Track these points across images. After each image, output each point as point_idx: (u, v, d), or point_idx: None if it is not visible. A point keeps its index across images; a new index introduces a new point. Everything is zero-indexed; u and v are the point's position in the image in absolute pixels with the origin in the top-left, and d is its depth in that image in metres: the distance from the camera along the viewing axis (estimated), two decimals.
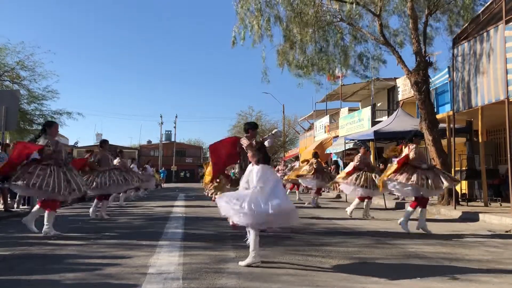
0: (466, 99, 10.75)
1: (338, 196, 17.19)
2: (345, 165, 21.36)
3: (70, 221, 8.47)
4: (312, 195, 13.17)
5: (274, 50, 12.76)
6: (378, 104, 23.99)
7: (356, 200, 9.56)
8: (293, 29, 11.82)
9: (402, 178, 7.04)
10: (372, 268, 4.40)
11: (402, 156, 7.29)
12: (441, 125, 11.82)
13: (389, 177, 7.24)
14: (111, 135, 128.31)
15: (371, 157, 14.55)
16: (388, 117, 18.89)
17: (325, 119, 27.49)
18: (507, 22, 9.20)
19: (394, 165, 7.42)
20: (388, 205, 12.33)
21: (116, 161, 12.30)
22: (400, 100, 19.23)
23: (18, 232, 6.94)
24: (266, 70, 12.54)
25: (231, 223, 5.59)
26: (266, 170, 4.55)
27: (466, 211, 9.54)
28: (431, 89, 12.82)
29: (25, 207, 10.52)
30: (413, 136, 7.49)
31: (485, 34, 10.00)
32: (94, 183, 8.59)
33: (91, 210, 9.06)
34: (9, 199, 10.04)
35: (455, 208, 10.01)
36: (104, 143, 9.52)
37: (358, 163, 9.76)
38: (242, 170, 6.17)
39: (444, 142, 11.76)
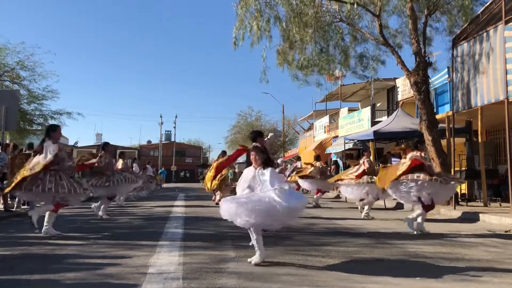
0: (465, 99, 10.76)
1: (338, 196, 17.19)
2: (345, 165, 21.41)
3: (70, 221, 8.47)
4: (316, 195, 13.31)
5: (274, 50, 12.78)
6: (378, 104, 23.99)
7: (369, 201, 9.65)
8: (292, 29, 11.82)
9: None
10: (372, 268, 4.40)
11: (408, 163, 7.21)
12: (441, 125, 11.83)
13: (399, 179, 7.19)
14: (111, 135, 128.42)
15: (371, 157, 14.56)
16: (387, 117, 18.89)
17: (325, 119, 27.49)
18: (506, 22, 9.21)
19: (400, 167, 7.32)
20: (388, 205, 12.34)
21: (119, 163, 12.32)
22: (400, 100, 19.23)
23: (18, 232, 6.95)
24: (266, 70, 12.51)
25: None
26: (277, 172, 4.71)
27: (465, 211, 9.54)
28: (430, 89, 12.82)
29: (26, 207, 10.52)
30: (418, 143, 7.48)
31: (484, 34, 10.01)
32: (106, 183, 8.76)
33: (101, 212, 9.03)
34: (9, 199, 10.04)
35: (454, 208, 10.01)
36: (107, 145, 9.51)
37: (368, 166, 9.80)
38: None
39: (443, 142, 11.77)
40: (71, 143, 43.13)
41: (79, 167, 8.72)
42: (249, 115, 51.60)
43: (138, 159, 22.38)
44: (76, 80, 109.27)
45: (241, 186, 4.74)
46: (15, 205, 10.31)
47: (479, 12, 10.45)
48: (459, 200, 11.08)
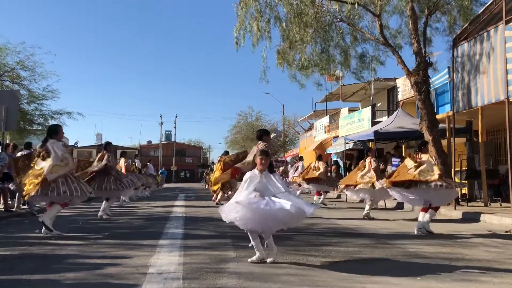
0: (466, 99, 10.75)
1: (339, 196, 17.20)
2: (345, 165, 21.42)
3: (70, 221, 8.46)
4: (322, 196, 13.38)
5: (274, 50, 12.77)
6: (378, 104, 23.99)
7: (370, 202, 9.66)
8: (293, 29, 11.81)
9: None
10: (372, 268, 4.40)
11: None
12: (441, 125, 11.82)
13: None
14: (111, 135, 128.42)
15: None
16: (388, 117, 18.89)
17: (325, 119, 27.49)
18: (507, 22, 9.21)
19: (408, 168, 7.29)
20: (388, 205, 12.34)
21: (121, 162, 12.32)
22: (400, 100, 19.22)
23: (18, 232, 6.96)
24: (266, 70, 12.50)
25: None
26: (281, 178, 4.86)
27: (466, 211, 9.54)
28: (431, 89, 12.82)
29: (26, 207, 10.52)
30: (422, 146, 7.47)
31: (485, 34, 10.00)
32: (112, 186, 8.83)
33: (102, 212, 8.99)
34: (9, 199, 10.04)
35: (455, 209, 10.01)
36: (109, 145, 9.45)
37: (376, 165, 9.81)
38: None
39: (444, 142, 11.76)
40: (71, 143, 43.19)
41: (88, 178, 8.75)
42: (249, 115, 51.66)
43: (139, 155, 22.42)
44: (76, 80, 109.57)
45: (245, 189, 4.60)
46: (15, 205, 10.31)
47: (479, 12, 10.45)
48: (460, 200, 11.07)
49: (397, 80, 20.06)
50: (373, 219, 9.11)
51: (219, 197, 11.60)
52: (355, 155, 22.16)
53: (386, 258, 4.93)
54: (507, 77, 9.06)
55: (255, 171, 4.69)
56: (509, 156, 8.92)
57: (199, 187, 34.79)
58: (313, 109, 31.88)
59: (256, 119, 51.13)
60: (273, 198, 4.43)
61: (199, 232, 7.04)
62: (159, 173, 31.81)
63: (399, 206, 11.92)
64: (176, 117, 63.60)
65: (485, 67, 9.97)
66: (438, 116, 12.07)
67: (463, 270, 4.28)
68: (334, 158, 24.46)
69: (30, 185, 6.15)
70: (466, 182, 11.94)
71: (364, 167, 10.02)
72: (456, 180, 11.19)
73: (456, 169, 11.58)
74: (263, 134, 6.74)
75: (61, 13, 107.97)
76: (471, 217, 8.99)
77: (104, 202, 9.12)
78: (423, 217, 7.01)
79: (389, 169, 11.37)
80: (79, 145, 52.37)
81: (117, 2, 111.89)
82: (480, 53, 10.16)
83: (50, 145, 6.28)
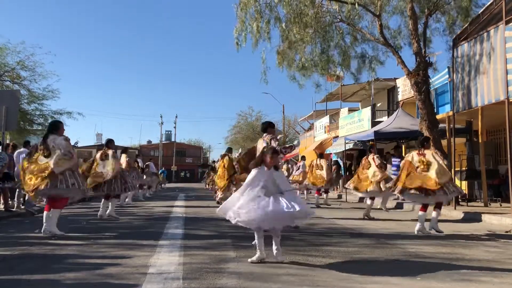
0: (466, 99, 10.75)
1: (339, 196, 17.21)
2: (345, 165, 21.43)
3: (70, 221, 8.46)
4: (325, 196, 13.36)
5: (274, 50, 12.77)
6: (378, 105, 23.98)
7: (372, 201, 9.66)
8: (293, 29, 11.81)
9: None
10: (372, 268, 4.40)
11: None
12: (441, 125, 11.82)
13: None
14: (111, 135, 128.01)
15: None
16: (388, 117, 18.88)
17: (325, 119, 27.48)
18: (507, 22, 9.21)
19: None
20: (388, 205, 12.32)
21: (123, 158, 12.30)
22: (400, 100, 19.22)
23: (18, 232, 6.96)
24: (266, 71, 12.51)
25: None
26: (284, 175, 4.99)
27: (466, 211, 9.54)
28: (431, 89, 12.82)
29: (21, 207, 10.51)
30: (424, 142, 7.41)
31: (485, 34, 10.00)
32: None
33: (108, 211, 8.94)
34: (9, 199, 10.04)
35: (455, 209, 10.01)
36: (110, 142, 9.41)
37: (380, 162, 9.79)
38: None
39: (444, 142, 11.76)
40: (71, 143, 43.04)
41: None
42: (249, 115, 51.72)
43: (140, 155, 22.42)
44: (76, 80, 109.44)
45: (254, 186, 4.58)
46: (15, 205, 10.31)
47: (479, 12, 10.45)
48: (460, 200, 11.08)
49: (397, 80, 20.06)
50: (373, 219, 9.11)
51: (220, 195, 11.58)
52: (355, 155, 22.16)
53: (386, 258, 4.93)
54: (507, 77, 9.06)
55: (264, 168, 4.68)
56: (509, 156, 8.93)
57: (199, 187, 34.78)
58: (313, 109, 31.88)
59: (256, 119, 51.16)
60: (279, 196, 4.49)
61: (199, 232, 7.04)
62: (159, 173, 31.82)
63: (399, 206, 11.93)
64: (176, 117, 63.68)
65: (485, 67, 9.97)
66: (438, 116, 12.07)
67: (463, 270, 4.29)
68: (334, 158, 24.46)
69: (36, 179, 6.10)
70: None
71: (369, 163, 9.93)
72: (456, 180, 11.18)
73: (456, 169, 11.57)
74: (268, 127, 6.69)
75: (61, 13, 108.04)
76: (471, 217, 8.99)
77: (103, 201, 9.03)
78: (423, 219, 7.01)
79: (389, 168, 11.37)
80: (79, 145, 52.31)
81: (117, 2, 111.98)
82: (480, 53, 10.16)
83: (51, 141, 6.25)
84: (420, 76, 11.18)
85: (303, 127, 39.56)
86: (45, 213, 6.35)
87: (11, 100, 10.97)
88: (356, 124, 21.09)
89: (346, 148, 19.30)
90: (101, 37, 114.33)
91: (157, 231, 6.99)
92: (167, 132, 66.05)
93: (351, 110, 24.78)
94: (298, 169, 16.61)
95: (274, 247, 4.60)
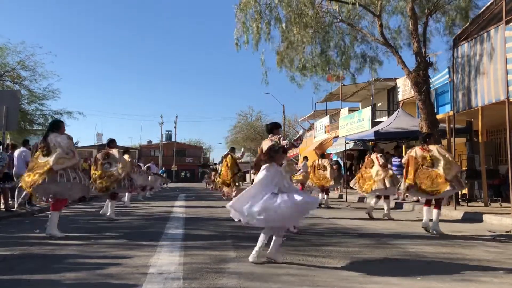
0: (466, 99, 10.75)
1: (340, 196, 17.22)
2: (345, 165, 21.42)
3: (70, 221, 8.46)
4: (326, 197, 13.36)
5: (274, 51, 12.77)
6: (378, 105, 23.99)
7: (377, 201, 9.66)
8: (293, 30, 11.81)
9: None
10: (372, 268, 4.40)
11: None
12: (441, 125, 11.83)
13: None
14: (111, 135, 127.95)
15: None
16: (388, 117, 18.89)
17: (325, 119, 27.48)
18: (507, 22, 9.20)
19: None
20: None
21: (126, 158, 12.31)
22: (400, 100, 19.23)
23: (19, 232, 6.96)
24: (267, 72, 12.51)
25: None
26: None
27: (466, 211, 9.54)
28: (431, 89, 12.82)
29: (29, 207, 10.52)
30: (427, 138, 7.39)
31: (485, 34, 10.00)
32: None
33: (109, 211, 8.96)
34: (9, 199, 10.04)
35: (455, 209, 10.01)
36: (112, 142, 9.41)
37: (383, 161, 9.76)
38: None
39: (444, 142, 11.76)
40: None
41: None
42: (250, 115, 51.63)
43: (142, 157, 22.51)
44: (76, 80, 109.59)
45: (269, 184, 4.56)
46: (16, 205, 10.31)
47: (479, 12, 10.46)
48: (460, 200, 11.08)
49: (397, 80, 20.06)
50: (373, 219, 9.11)
51: (226, 191, 11.57)
52: (355, 155, 22.17)
53: (386, 258, 4.93)
54: (507, 77, 9.06)
55: (274, 165, 4.70)
56: (509, 156, 8.92)
57: (199, 187, 34.79)
58: (313, 109, 31.90)
59: (257, 119, 51.12)
60: (288, 193, 4.56)
61: (199, 232, 7.04)
62: (160, 173, 31.87)
63: (399, 206, 11.93)
64: (177, 117, 63.71)
65: (485, 67, 9.97)
66: (438, 116, 12.07)
67: (463, 270, 4.29)
68: (334, 158, 24.46)
69: (35, 175, 6.07)
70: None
71: (372, 162, 9.89)
72: None
73: None
74: (273, 128, 6.64)
75: (61, 13, 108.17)
76: (471, 217, 8.99)
77: (108, 201, 9.06)
78: (429, 214, 7.02)
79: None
80: (80, 145, 52.34)
81: (117, 2, 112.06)
82: (480, 53, 10.16)
83: (52, 139, 6.20)
84: (420, 76, 11.18)
85: (303, 127, 39.54)
86: (50, 213, 6.37)
87: (11, 100, 10.98)
88: (356, 124, 21.10)
89: (346, 148, 19.31)
90: (101, 37, 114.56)
91: (158, 231, 6.99)
92: (167, 132, 66.14)
93: (351, 110, 24.79)
94: (299, 169, 16.62)
95: (271, 246, 4.59)
